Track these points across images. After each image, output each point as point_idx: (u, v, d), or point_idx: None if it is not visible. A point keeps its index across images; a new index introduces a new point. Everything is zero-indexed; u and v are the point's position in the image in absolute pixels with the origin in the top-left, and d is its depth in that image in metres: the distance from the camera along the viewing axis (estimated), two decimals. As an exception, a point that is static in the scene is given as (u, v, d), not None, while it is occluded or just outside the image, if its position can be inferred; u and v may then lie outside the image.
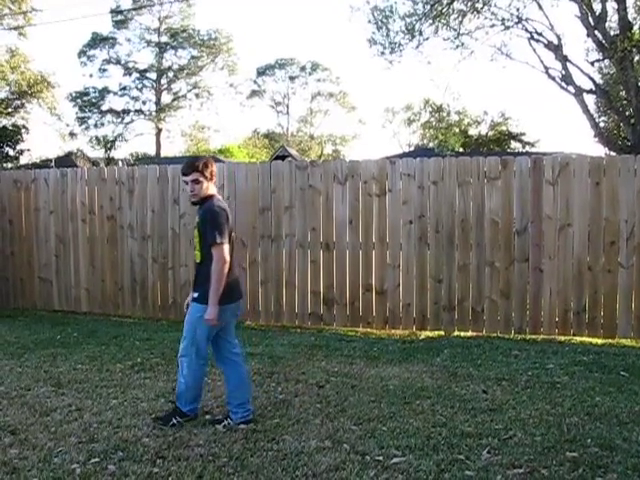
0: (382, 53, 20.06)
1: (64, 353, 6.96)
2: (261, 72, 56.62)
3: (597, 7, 17.45)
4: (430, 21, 19.16)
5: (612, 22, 17.70)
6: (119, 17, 46.62)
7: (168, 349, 7.08)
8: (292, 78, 57.29)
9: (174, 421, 4.67)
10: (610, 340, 7.42)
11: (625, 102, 19.02)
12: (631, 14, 17.38)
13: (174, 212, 8.90)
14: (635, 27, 17.23)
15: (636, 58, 17.61)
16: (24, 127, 27.01)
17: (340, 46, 79.54)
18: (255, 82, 56.51)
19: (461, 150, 31.33)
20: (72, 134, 44.68)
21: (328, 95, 57.22)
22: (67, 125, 42.96)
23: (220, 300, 4.53)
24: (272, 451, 4.22)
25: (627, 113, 18.76)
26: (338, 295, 8.25)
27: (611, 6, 17.35)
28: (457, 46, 19.56)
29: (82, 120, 47.13)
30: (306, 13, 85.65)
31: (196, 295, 4.68)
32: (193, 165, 4.69)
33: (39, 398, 5.38)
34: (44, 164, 26.92)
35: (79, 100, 47.36)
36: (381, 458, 4.08)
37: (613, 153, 18.62)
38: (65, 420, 4.85)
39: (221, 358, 4.89)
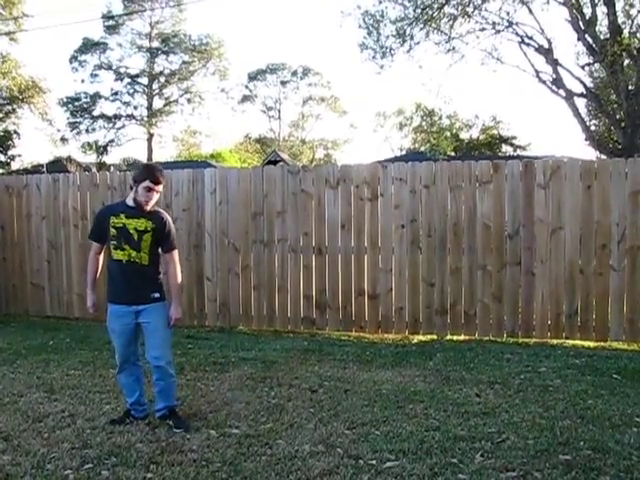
0: (373, 58, 20.15)
1: (57, 359, 6.94)
2: (252, 77, 56.64)
3: (587, 11, 17.58)
4: (421, 25, 19.24)
5: (602, 26, 17.83)
6: (110, 22, 46.51)
7: (161, 354, 7.07)
8: (283, 83, 57.33)
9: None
10: (602, 343, 7.45)
11: (616, 106, 19.14)
12: (620, 18, 17.49)
13: (166, 217, 8.87)
14: (625, 31, 17.33)
15: (626, 62, 17.71)
16: (15, 132, 26.96)
17: (331, 51, 79.71)
18: (246, 87, 56.55)
19: (453, 154, 31.39)
20: (63, 139, 44.56)
21: (319, 99, 57.26)
22: (58, 130, 42.87)
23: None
24: (265, 456, 4.22)
25: (618, 116, 18.87)
26: (331, 299, 8.26)
27: (601, 10, 17.48)
28: (448, 50, 19.67)
29: (73, 125, 46.95)
30: (297, 18, 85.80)
31: (158, 295, 4.89)
32: (162, 177, 4.83)
33: (32, 404, 5.36)
34: (36, 170, 26.84)
35: (70, 105, 47.19)
36: (374, 462, 4.08)
37: (604, 156, 18.72)
38: (58, 426, 4.83)
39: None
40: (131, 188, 4.83)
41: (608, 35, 17.23)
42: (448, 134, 34.07)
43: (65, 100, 46.86)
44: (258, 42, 79.33)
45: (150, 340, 4.85)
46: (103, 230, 4.83)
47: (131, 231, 4.74)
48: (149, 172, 4.75)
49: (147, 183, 4.67)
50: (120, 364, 4.94)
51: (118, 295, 4.84)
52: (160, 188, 4.78)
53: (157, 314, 4.85)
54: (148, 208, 4.77)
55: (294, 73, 56.99)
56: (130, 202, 4.80)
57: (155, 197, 4.77)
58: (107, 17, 45.48)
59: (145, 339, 4.89)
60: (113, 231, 4.76)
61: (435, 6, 18.77)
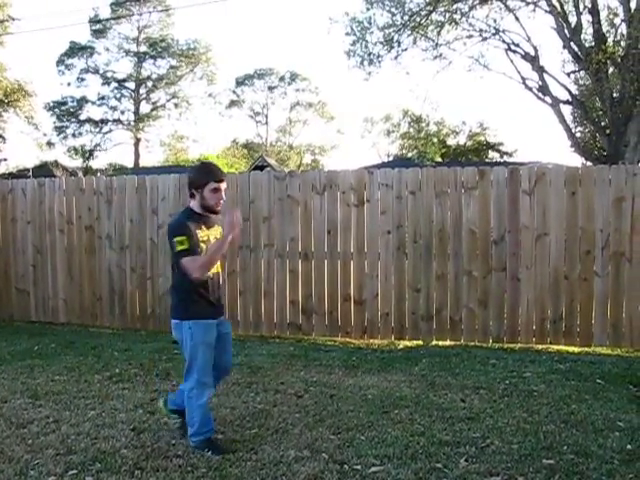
0: (361, 64, 20.25)
1: (41, 364, 6.90)
2: (240, 82, 56.64)
3: (572, 20, 17.76)
4: (408, 32, 19.38)
5: (587, 34, 18.01)
6: (97, 26, 46.43)
7: (146, 359, 7.07)
8: (271, 88, 57.35)
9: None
10: (586, 348, 7.49)
11: (601, 113, 19.31)
12: (605, 27, 17.67)
13: (152, 222, 8.88)
14: (609, 40, 17.50)
15: (610, 70, 17.88)
16: (1, 136, 26.83)
17: (319, 56, 79.92)
18: (234, 92, 56.54)
19: (440, 160, 31.53)
20: (50, 143, 44.38)
21: (307, 105, 57.32)
22: (45, 134, 42.58)
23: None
24: (251, 461, 4.22)
25: (603, 124, 19.04)
26: (317, 305, 8.27)
27: (586, 19, 17.67)
28: (435, 57, 19.83)
29: (60, 129, 46.83)
30: (285, 24, 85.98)
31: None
32: (223, 172, 4.52)
33: (16, 410, 5.33)
34: (21, 174, 26.69)
35: (57, 109, 47.07)
36: (360, 467, 4.09)
37: (589, 163, 18.91)
38: (42, 432, 4.81)
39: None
40: (191, 196, 4.44)
41: (593, 43, 17.41)
42: (435, 140, 34.25)
43: (51, 104, 46.76)
44: (246, 47, 79.56)
45: (227, 347, 4.65)
46: (194, 245, 4.28)
47: (212, 241, 4.43)
48: (209, 172, 4.42)
49: (213, 184, 4.35)
50: (206, 382, 4.44)
51: (207, 310, 4.42)
52: (225, 185, 4.46)
53: (227, 321, 4.74)
54: (219, 209, 4.47)
55: (282, 78, 57.04)
56: (199, 210, 4.43)
57: (222, 196, 4.43)
58: (94, 21, 45.36)
59: (221, 348, 4.54)
60: (202, 246, 4.34)
61: (423, 13, 18.91)
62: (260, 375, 6.39)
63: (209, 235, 4.41)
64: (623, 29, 17.55)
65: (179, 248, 4.24)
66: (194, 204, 4.43)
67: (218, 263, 4.48)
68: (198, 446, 4.39)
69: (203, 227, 4.38)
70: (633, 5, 16.62)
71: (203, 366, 4.37)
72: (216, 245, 4.31)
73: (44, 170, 28.80)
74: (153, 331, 8.76)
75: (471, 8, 19.07)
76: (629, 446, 4.40)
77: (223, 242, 4.27)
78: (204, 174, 4.42)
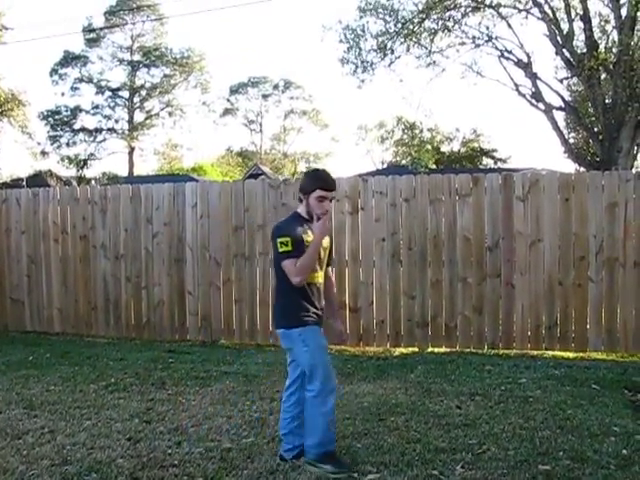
0: (354, 72, 20.27)
1: (36, 374, 6.88)
2: (234, 90, 56.68)
3: (565, 26, 17.84)
4: (402, 39, 19.42)
5: (579, 41, 18.09)
6: (91, 35, 46.43)
7: (142, 369, 7.05)
8: (265, 96, 57.42)
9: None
10: (581, 354, 7.51)
11: (593, 119, 19.37)
12: (597, 34, 17.76)
13: (147, 231, 8.88)
14: (601, 46, 17.58)
15: (603, 76, 17.96)
16: (-6, 146, 26.76)
17: (313, 64, 79.93)
18: (228, 100, 56.55)
19: (434, 167, 31.60)
20: (44, 153, 44.20)
21: (301, 113, 57.40)
22: (38, 144, 42.45)
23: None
24: (247, 470, 4.22)
25: (596, 129, 19.10)
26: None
27: (578, 26, 17.74)
28: (429, 64, 19.86)
29: (54, 139, 46.70)
30: (279, 32, 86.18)
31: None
32: (335, 181, 4.33)
33: (11, 421, 5.32)
34: (15, 183, 26.66)
35: (51, 119, 46.97)
36: (356, 475, 4.09)
37: (583, 169, 18.95)
38: (38, 442, 4.80)
39: None
40: (300, 200, 4.32)
41: (585, 50, 17.48)
42: (429, 147, 34.31)
43: (45, 113, 46.65)
44: (240, 55, 79.61)
45: None
46: (298, 247, 4.10)
47: (321, 250, 4.28)
48: (318, 179, 4.26)
49: (319, 192, 4.17)
50: (330, 388, 4.22)
51: (312, 317, 4.24)
52: (333, 194, 4.30)
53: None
54: (327, 219, 4.29)
55: (276, 86, 57.13)
56: (305, 215, 4.27)
57: (328, 206, 4.26)
58: (88, 30, 45.37)
59: None
60: None
61: (416, 20, 18.96)
62: (256, 383, 6.38)
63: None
64: (615, 36, 17.64)
65: (282, 249, 4.11)
66: (301, 209, 4.29)
67: (319, 274, 4.29)
68: (317, 460, 4.14)
69: (309, 232, 4.19)
70: (624, 12, 16.71)
71: (325, 370, 4.18)
72: (310, 248, 4.11)
73: (38, 180, 28.72)
74: (148, 340, 8.75)
75: (464, 15, 19.14)
76: (625, 451, 4.42)
77: (315, 245, 4.12)
78: (313, 181, 4.27)
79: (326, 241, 4.31)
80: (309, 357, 4.17)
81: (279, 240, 4.11)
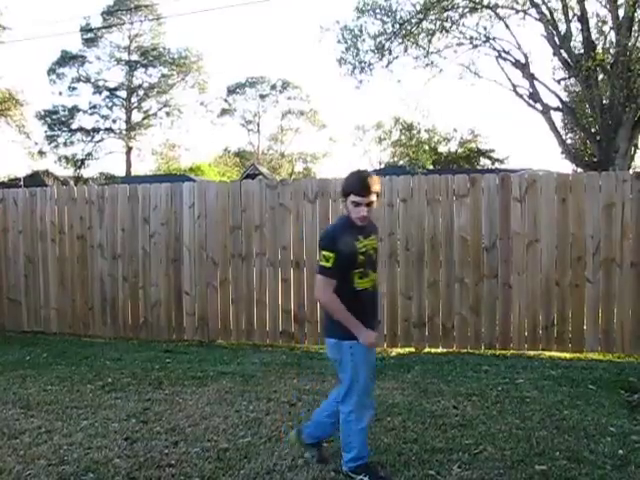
0: (352, 72, 20.27)
1: (33, 374, 6.88)
2: (232, 90, 56.69)
3: (562, 27, 17.83)
4: (399, 40, 19.41)
5: (577, 42, 18.08)
6: (89, 35, 46.40)
7: (139, 369, 7.06)
8: (263, 96, 57.40)
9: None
10: (578, 354, 7.52)
11: (591, 119, 19.38)
12: (594, 34, 17.77)
13: (144, 231, 8.88)
14: (598, 47, 17.61)
15: (600, 77, 17.98)
16: (-8, 146, 26.73)
17: (310, 65, 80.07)
18: (226, 100, 56.56)
19: (431, 167, 31.61)
20: (41, 152, 44.16)
21: (299, 113, 57.41)
22: (36, 143, 42.42)
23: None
24: (244, 470, 4.23)
25: (593, 130, 19.11)
26: (309, 313, 8.26)
27: (575, 26, 17.74)
28: (426, 65, 19.86)
29: (51, 138, 46.62)
30: (276, 32, 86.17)
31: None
32: (371, 185, 3.99)
33: (7, 421, 5.32)
34: (12, 183, 26.64)
35: (48, 118, 46.89)
36: (353, 475, 4.09)
37: (580, 169, 18.96)
38: (34, 442, 4.80)
39: None
40: (342, 202, 4.14)
41: (582, 50, 17.50)
42: (427, 148, 34.31)
43: (43, 113, 46.57)
44: (237, 56, 79.59)
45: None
46: (347, 259, 3.95)
47: (371, 252, 4.10)
48: (352, 184, 4.01)
49: (352, 197, 3.95)
50: (366, 404, 4.11)
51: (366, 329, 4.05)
52: (372, 198, 3.97)
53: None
54: (363, 223, 4.04)
55: (273, 87, 57.14)
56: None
57: (369, 211, 4.00)
58: (86, 30, 45.34)
59: None
60: (361, 258, 4.01)
61: (413, 21, 18.96)
62: (253, 383, 6.39)
63: (367, 246, 4.06)
64: (612, 37, 17.64)
65: (322, 263, 3.95)
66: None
67: (373, 277, 4.11)
68: (354, 471, 4.07)
69: (360, 237, 4.02)
70: (621, 13, 16.73)
71: (364, 388, 4.04)
72: (346, 320, 3.92)
73: (35, 179, 28.72)
74: (145, 340, 8.75)
75: (461, 16, 19.15)
76: (621, 451, 4.43)
77: (351, 326, 3.92)
78: (349, 183, 4.04)
79: (375, 241, 4.17)
80: (352, 372, 4.00)
81: (323, 253, 3.96)
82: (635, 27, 17.12)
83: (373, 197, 3.97)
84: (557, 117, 20.59)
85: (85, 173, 42.89)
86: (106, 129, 48.15)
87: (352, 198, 3.95)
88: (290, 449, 4.52)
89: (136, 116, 49.65)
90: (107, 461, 4.40)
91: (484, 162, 38.46)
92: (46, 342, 8.77)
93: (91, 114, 47.93)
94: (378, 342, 3.98)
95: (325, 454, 4.38)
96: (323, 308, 4.21)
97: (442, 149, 38.27)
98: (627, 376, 6.45)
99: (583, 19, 17.32)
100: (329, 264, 3.91)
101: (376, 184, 4.01)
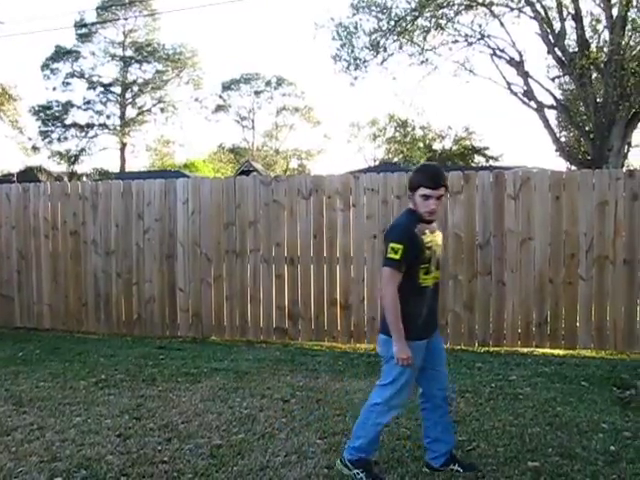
0: (347, 69, 20.29)
1: (26, 371, 6.86)
2: (226, 87, 56.58)
3: (556, 25, 17.90)
4: (394, 37, 19.44)
5: (571, 40, 18.15)
6: (83, 30, 46.30)
7: (132, 365, 7.04)
8: (257, 93, 57.33)
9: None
10: (571, 351, 7.54)
11: (585, 117, 19.44)
12: (588, 33, 17.82)
13: (138, 227, 8.86)
14: (592, 46, 17.65)
15: (594, 75, 18.03)
16: (-15, 141, 26.64)
17: (305, 61, 79.96)
18: (220, 97, 56.45)
19: (426, 164, 31.55)
20: (35, 148, 44.11)
21: (293, 110, 57.36)
22: (29, 139, 42.41)
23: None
24: (237, 466, 4.22)
25: (587, 128, 19.17)
26: (303, 309, 8.27)
27: (569, 25, 17.81)
28: (421, 62, 19.91)
29: (45, 134, 46.58)
30: (271, 28, 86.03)
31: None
32: (442, 178, 3.93)
33: None
34: (6, 178, 26.53)
35: (42, 114, 46.83)
36: (346, 472, 4.09)
37: (574, 167, 19.02)
38: (26, 439, 4.78)
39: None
40: (410, 197, 4.02)
41: (577, 49, 17.55)
42: (421, 145, 34.33)
43: (37, 108, 46.53)
44: (232, 52, 79.44)
45: (440, 363, 4.20)
46: (414, 252, 3.84)
47: (435, 248, 3.98)
48: (422, 176, 3.91)
49: (422, 191, 3.84)
50: (396, 405, 4.05)
51: (420, 329, 3.97)
52: (442, 191, 3.88)
53: (438, 334, 4.25)
54: (432, 218, 3.98)
55: (268, 83, 57.06)
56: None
57: (439, 204, 3.91)
58: (80, 25, 45.23)
59: (434, 364, 4.14)
60: (427, 253, 3.90)
61: (408, 18, 18.97)
62: (246, 380, 6.38)
63: (432, 241, 3.96)
64: (606, 35, 17.70)
65: (390, 255, 3.82)
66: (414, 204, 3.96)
67: (434, 275, 4.00)
68: (352, 463, 3.99)
69: (427, 232, 3.94)
70: (615, 12, 16.78)
71: (401, 389, 3.96)
72: (395, 323, 3.84)
73: (29, 175, 28.58)
74: (139, 336, 8.73)
75: (456, 13, 19.18)
76: (612, 447, 4.44)
77: (394, 331, 3.85)
78: (419, 176, 3.93)
79: (439, 238, 4.07)
80: (396, 372, 3.92)
81: (391, 245, 3.82)
82: (628, 26, 17.20)
83: (442, 190, 3.88)
84: (551, 115, 20.66)
85: (79, 169, 42.70)
86: (100, 125, 48.12)
87: (422, 191, 3.84)
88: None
89: (130, 112, 49.68)
90: (100, 458, 4.39)
91: (478, 159, 38.43)
92: (39, 338, 8.75)
93: (85, 110, 47.94)
94: (410, 363, 3.85)
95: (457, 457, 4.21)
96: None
97: (436, 146, 38.23)
98: (619, 373, 6.47)
99: (577, 18, 17.37)
100: (397, 256, 3.79)
101: (445, 178, 3.95)
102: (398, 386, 3.94)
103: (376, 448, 4.16)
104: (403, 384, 3.94)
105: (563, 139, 22.91)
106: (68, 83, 47.71)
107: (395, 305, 3.82)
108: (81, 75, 47.81)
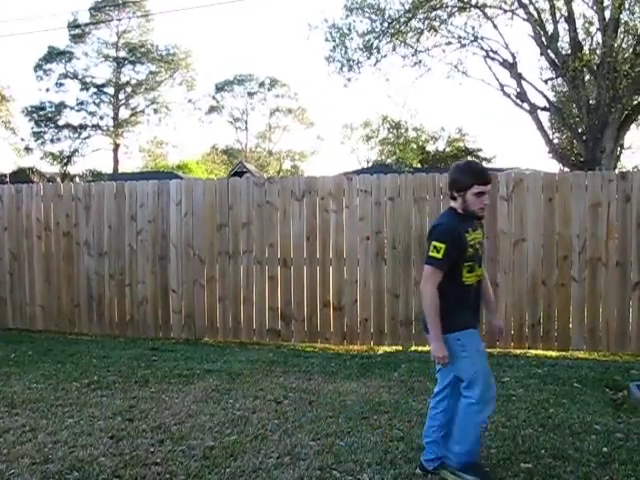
0: (340, 70, 20.28)
1: (18, 372, 6.84)
2: (220, 88, 56.58)
3: (549, 27, 17.94)
4: (388, 38, 19.45)
5: (564, 42, 18.18)
6: (76, 31, 46.18)
7: (125, 366, 7.02)
8: (251, 94, 57.35)
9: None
10: (564, 352, 7.56)
11: (577, 119, 19.49)
12: (581, 35, 17.87)
13: (131, 228, 8.84)
14: (585, 48, 17.70)
15: (587, 77, 18.08)
16: (-23, 142, 26.55)
17: (299, 62, 79.97)
18: (214, 98, 56.46)
19: (419, 166, 31.67)
20: (27, 149, 43.96)
21: (287, 111, 57.40)
22: (22, 140, 42.29)
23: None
24: (230, 468, 4.21)
25: (580, 130, 19.21)
26: (296, 311, 8.26)
27: (562, 27, 17.85)
28: (415, 63, 19.92)
29: (38, 135, 46.44)
30: (265, 29, 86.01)
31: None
32: (489, 173, 3.98)
33: (-8, 418, 5.28)
34: (-2, 179, 26.42)
35: (35, 114, 46.69)
36: (338, 474, 4.09)
37: (567, 169, 19.05)
38: (18, 441, 4.76)
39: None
40: (452, 198, 3.98)
41: (569, 51, 17.59)
42: (414, 146, 34.34)
43: (29, 109, 46.40)
44: (225, 53, 79.46)
45: None
46: (458, 251, 3.85)
47: (477, 246, 3.98)
48: (474, 174, 3.91)
49: (477, 188, 3.86)
50: (490, 397, 3.96)
51: (470, 319, 4.00)
52: (490, 187, 3.95)
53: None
54: (483, 214, 4.02)
55: (261, 84, 57.08)
56: (462, 212, 3.97)
57: (485, 200, 3.94)
58: (73, 26, 45.11)
59: None
60: (470, 251, 3.90)
61: (402, 20, 18.98)
62: (239, 381, 6.38)
63: (475, 239, 3.95)
64: (598, 38, 17.75)
65: (432, 254, 3.86)
66: (457, 205, 3.96)
67: (478, 272, 4.00)
68: (461, 469, 3.94)
69: (470, 230, 3.93)
70: (608, 14, 16.83)
71: (485, 377, 3.90)
72: (433, 322, 3.88)
73: (21, 176, 28.49)
74: (132, 338, 8.71)
75: (450, 15, 19.20)
76: (605, 449, 4.45)
77: (433, 329, 3.91)
78: (468, 175, 3.91)
79: (479, 236, 4.02)
80: (469, 363, 3.89)
81: (434, 243, 3.85)
82: (621, 28, 17.25)
83: (490, 186, 3.95)
84: (544, 117, 20.69)
85: (72, 170, 42.57)
86: (93, 126, 48.01)
87: (475, 189, 3.85)
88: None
89: (123, 113, 49.58)
90: (92, 459, 4.38)
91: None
92: (31, 340, 8.72)
93: (78, 110, 47.83)
94: (445, 361, 3.89)
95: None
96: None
97: (430, 148, 38.33)
98: (612, 374, 6.49)
99: (570, 20, 17.42)
100: (439, 255, 3.82)
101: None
102: (480, 375, 3.88)
103: (479, 449, 4.08)
104: (483, 371, 3.91)
105: (556, 141, 22.96)
106: (61, 84, 47.61)
107: (434, 302, 3.84)
108: (74, 76, 47.70)
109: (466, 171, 3.96)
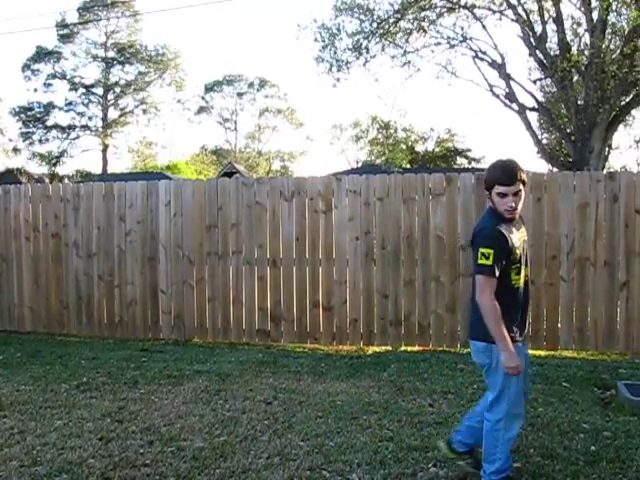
0: (329, 70, 20.31)
1: (6, 374, 6.80)
2: (209, 88, 56.51)
3: (538, 28, 18.03)
4: (377, 39, 19.51)
5: (552, 43, 18.30)
6: (65, 31, 46.00)
7: (114, 368, 7.00)
8: (240, 94, 57.32)
9: None
10: (552, 352, 7.59)
11: (566, 120, 19.60)
12: (569, 36, 17.97)
13: (120, 229, 8.81)
14: (573, 49, 17.80)
15: (575, 78, 18.18)
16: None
17: (288, 63, 79.95)
18: (203, 98, 56.39)
19: (408, 166, 31.74)
20: (15, 150, 43.80)
21: (276, 111, 57.41)
22: (10, 140, 42.13)
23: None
24: (220, 469, 4.21)
25: (568, 130, 19.32)
26: (285, 311, 8.26)
27: (551, 28, 17.95)
28: (404, 64, 19.99)
29: (26, 135, 46.23)
30: (254, 30, 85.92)
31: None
32: (517, 172, 3.70)
33: (-20, 421, 5.26)
34: (-14, 180, 26.28)
35: (23, 115, 46.48)
36: (328, 474, 4.10)
37: (556, 169, 19.15)
38: (6, 444, 4.74)
39: None
40: (487, 197, 3.83)
41: (558, 52, 17.69)
42: (403, 147, 34.43)
43: (17, 109, 46.17)
44: (215, 53, 79.33)
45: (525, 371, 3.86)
46: (506, 254, 3.66)
47: (523, 245, 3.82)
48: (496, 173, 3.72)
49: (498, 189, 3.67)
50: (518, 413, 3.82)
51: (517, 332, 3.78)
52: (519, 186, 3.67)
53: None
54: (516, 216, 3.77)
55: (251, 84, 57.06)
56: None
57: (517, 201, 3.70)
58: (61, 26, 44.93)
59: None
60: (518, 252, 3.72)
61: (391, 20, 19.05)
62: (229, 382, 6.37)
63: (520, 239, 3.79)
64: (586, 38, 17.89)
65: (481, 261, 3.64)
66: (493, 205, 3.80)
67: (525, 272, 3.82)
68: None
69: (514, 230, 3.75)
70: (595, 16, 16.94)
71: (515, 395, 3.75)
72: (498, 331, 3.60)
73: (9, 177, 28.36)
74: (121, 339, 8.69)
75: (439, 16, 19.28)
76: (593, 447, 4.48)
77: (500, 339, 3.60)
78: (490, 174, 3.75)
79: (523, 235, 3.88)
80: (504, 378, 3.70)
81: (481, 250, 3.64)
82: (609, 29, 17.37)
83: (520, 185, 3.68)
84: (533, 117, 20.83)
85: (60, 171, 42.44)
86: (82, 126, 47.82)
87: (497, 189, 3.67)
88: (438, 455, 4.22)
89: (112, 113, 49.42)
90: (81, 461, 4.37)
91: (461, 161, 38.67)
92: (20, 341, 8.67)
93: (67, 111, 47.65)
94: (520, 371, 3.65)
95: (479, 458, 4.01)
96: (479, 309, 3.72)
97: (419, 148, 38.46)
98: (600, 373, 6.52)
99: (558, 21, 17.52)
100: (489, 261, 3.61)
101: (521, 171, 3.71)
102: (511, 396, 3.74)
103: (511, 464, 3.91)
104: (515, 388, 3.73)
105: (545, 141, 23.10)
106: (49, 84, 47.39)
107: (495, 312, 3.61)
108: (63, 76, 47.48)
109: (491, 169, 3.79)
